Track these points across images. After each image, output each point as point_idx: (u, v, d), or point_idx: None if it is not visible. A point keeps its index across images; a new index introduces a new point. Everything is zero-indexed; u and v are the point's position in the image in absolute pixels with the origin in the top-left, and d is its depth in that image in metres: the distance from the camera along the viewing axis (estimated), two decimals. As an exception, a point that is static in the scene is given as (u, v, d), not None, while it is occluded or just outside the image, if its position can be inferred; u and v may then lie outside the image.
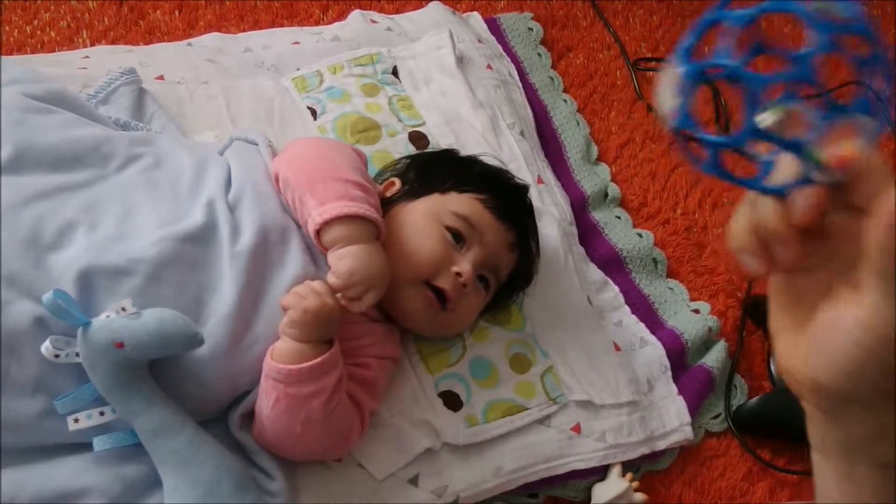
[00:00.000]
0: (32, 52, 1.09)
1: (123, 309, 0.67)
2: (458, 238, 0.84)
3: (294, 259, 0.76)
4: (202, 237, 0.74)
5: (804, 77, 0.37)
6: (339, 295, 0.74)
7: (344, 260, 0.74)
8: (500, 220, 0.87)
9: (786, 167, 0.39)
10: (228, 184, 0.79)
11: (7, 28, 1.11)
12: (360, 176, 0.80)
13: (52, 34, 1.13)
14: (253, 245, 0.74)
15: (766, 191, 0.40)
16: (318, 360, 0.71)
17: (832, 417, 0.44)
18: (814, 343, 0.42)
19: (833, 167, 0.38)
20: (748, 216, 0.42)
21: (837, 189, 0.39)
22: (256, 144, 0.86)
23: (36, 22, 1.13)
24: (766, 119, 0.38)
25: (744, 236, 0.42)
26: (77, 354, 0.66)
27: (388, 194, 0.89)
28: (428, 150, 1.03)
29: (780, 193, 0.40)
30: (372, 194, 0.79)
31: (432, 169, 0.92)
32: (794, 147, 0.38)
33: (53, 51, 1.09)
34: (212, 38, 1.13)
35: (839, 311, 0.41)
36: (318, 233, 0.75)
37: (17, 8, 1.13)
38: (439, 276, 0.82)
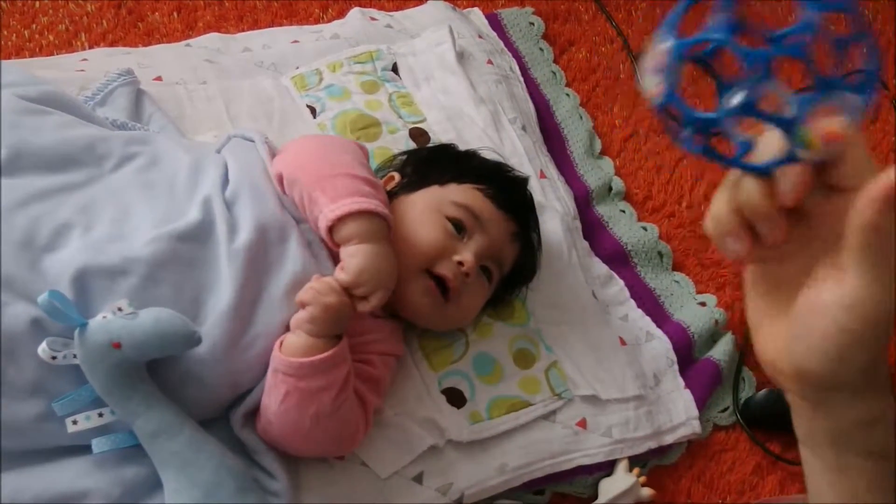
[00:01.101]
0: (31, 56, 1.09)
1: (120, 309, 0.67)
2: (459, 228, 0.83)
3: (293, 256, 0.76)
4: (199, 235, 0.73)
5: (796, 53, 0.36)
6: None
7: (355, 258, 0.74)
8: (501, 210, 0.86)
9: (769, 145, 0.39)
10: (225, 181, 0.78)
11: (5, 32, 1.11)
12: (367, 171, 0.80)
13: (51, 37, 1.12)
14: (251, 242, 0.74)
15: (750, 169, 0.40)
16: (330, 352, 0.71)
17: (818, 406, 0.43)
18: (795, 328, 0.42)
19: (821, 145, 0.37)
20: (729, 198, 0.41)
21: (817, 169, 0.39)
22: (253, 141, 0.85)
23: (34, 25, 1.13)
24: (735, 97, 0.37)
25: (725, 218, 0.42)
26: (74, 356, 0.65)
27: (388, 188, 0.89)
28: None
29: (764, 172, 0.39)
30: (380, 189, 0.79)
31: (431, 163, 0.91)
32: (783, 123, 0.37)
33: (52, 54, 1.09)
34: (211, 39, 1.13)
35: (820, 294, 0.40)
36: (330, 229, 0.75)
37: (15, 12, 1.13)
38: (440, 263, 0.81)
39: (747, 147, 0.39)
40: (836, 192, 0.39)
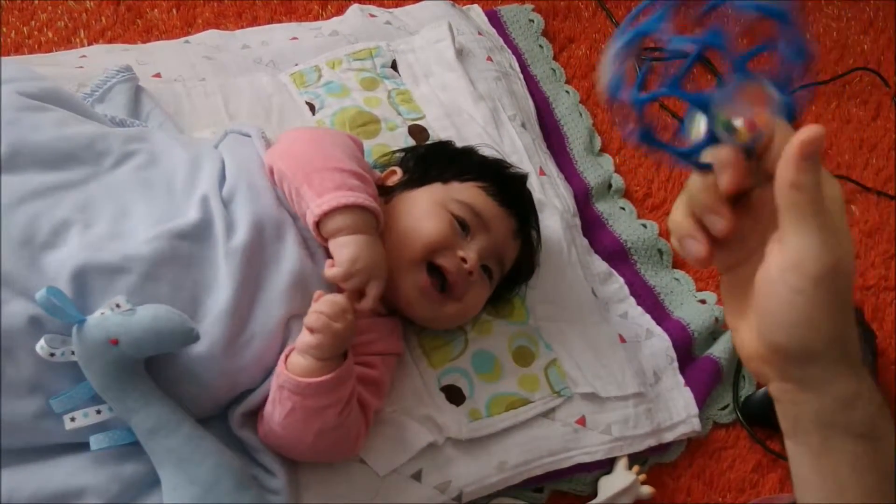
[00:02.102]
0: (30, 53, 1.09)
1: (118, 306, 0.66)
2: (463, 226, 0.83)
3: (290, 254, 0.76)
4: (197, 234, 0.73)
5: (715, 43, 0.38)
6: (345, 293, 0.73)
7: (347, 248, 0.74)
8: (504, 208, 0.86)
9: (698, 127, 0.40)
10: (223, 179, 0.78)
11: (4, 29, 1.11)
12: (357, 164, 0.79)
13: (50, 34, 1.12)
14: (248, 241, 0.73)
15: (684, 155, 0.41)
16: (335, 373, 0.71)
17: (803, 385, 0.44)
18: (757, 309, 0.43)
19: (745, 131, 0.38)
20: (685, 203, 0.43)
21: (750, 158, 0.40)
22: (250, 136, 0.85)
23: (33, 22, 1.13)
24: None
25: (681, 221, 0.44)
26: (73, 353, 0.65)
27: (390, 183, 0.89)
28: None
29: (705, 167, 0.40)
30: (369, 183, 0.78)
31: (431, 159, 0.91)
32: (701, 104, 0.38)
33: (51, 51, 1.09)
34: (210, 36, 1.12)
35: (769, 265, 0.41)
36: (317, 224, 0.74)
37: (14, 9, 1.13)
38: (442, 255, 0.81)
39: (684, 127, 0.41)
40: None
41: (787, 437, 0.47)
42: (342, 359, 0.73)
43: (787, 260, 0.40)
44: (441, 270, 0.81)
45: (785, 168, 0.39)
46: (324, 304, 0.71)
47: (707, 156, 0.40)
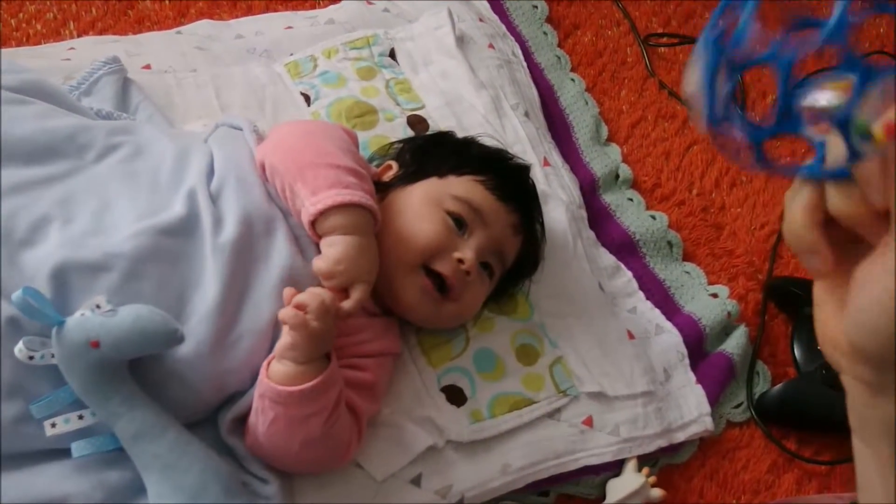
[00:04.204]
0: (18, 46, 1.06)
1: (98, 306, 0.64)
2: (459, 224, 0.80)
3: (280, 250, 0.73)
4: (183, 229, 0.70)
5: (834, 40, 0.32)
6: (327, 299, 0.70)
7: (334, 247, 0.71)
8: (503, 202, 0.83)
9: (837, 145, 0.35)
10: (211, 173, 0.75)
11: (-8, 22, 1.08)
12: (352, 159, 0.76)
13: (38, 27, 1.09)
14: (236, 237, 0.71)
15: (828, 175, 0.36)
16: (319, 379, 0.68)
17: (875, 390, 0.40)
18: (851, 304, 0.39)
19: (883, 136, 0.33)
20: (807, 211, 0.38)
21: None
22: (241, 129, 0.82)
23: (21, 14, 1.10)
24: (817, 100, 0.34)
25: (805, 236, 0.39)
26: (53, 355, 0.63)
27: (385, 178, 0.86)
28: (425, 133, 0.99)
29: (843, 176, 0.35)
30: (365, 179, 0.76)
31: (428, 152, 0.88)
32: (837, 121, 0.33)
33: (39, 43, 1.06)
34: (202, 26, 1.10)
35: (873, 263, 0.37)
36: (312, 223, 0.72)
37: (2, 1, 1.10)
38: (439, 259, 0.78)
39: (823, 147, 0.36)
40: None
41: (855, 433, 0.44)
42: (325, 364, 0.69)
43: (889, 260, 0.36)
44: (440, 275, 0.78)
45: None
46: (305, 296, 0.68)
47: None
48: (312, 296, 0.68)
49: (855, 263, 0.39)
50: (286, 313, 0.67)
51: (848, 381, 0.42)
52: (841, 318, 0.40)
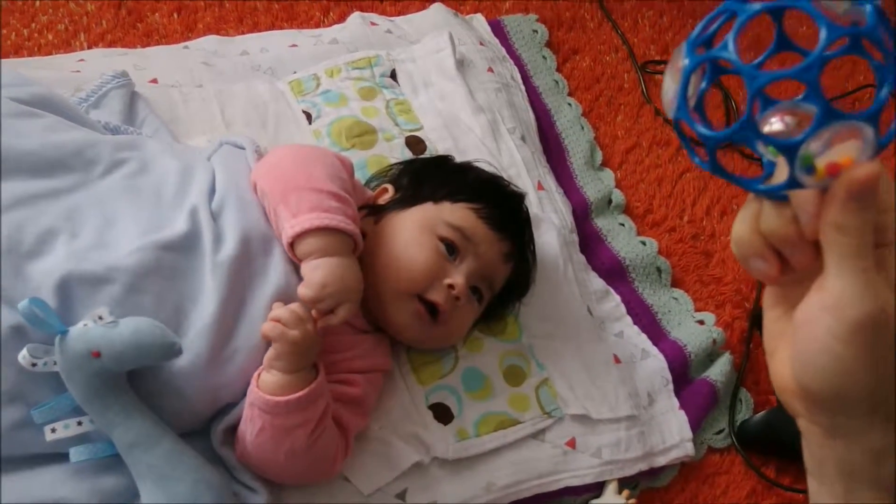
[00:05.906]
0: (30, 55, 1.08)
1: (100, 318, 0.66)
2: (451, 249, 0.82)
3: (276, 269, 0.75)
4: (184, 246, 0.72)
5: (805, 79, 0.35)
6: (312, 312, 0.72)
7: (317, 271, 0.73)
8: (495, 231, 0.84)
9: (784, 169, 0.37)
10: (213, 190, 0.77)
11: (5, 31, 1.11)
12: (338, 185, 0.77)
13: (50, 37, 1.12)
14: (235, 254, 0.73)
15: (764, 192, 0.38)
16: (306, 391, 0.70)
17: (830, 433, 0.41)
18: (794, 346, 0.40)
19: (825, 174, 0.36)
20: (751, 219, 0.40)
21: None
22: (244, 149, 0.84)
23: (34, 25, 1.12)
24: (773, 123, 0.36)
25: (750, 239, 0.41)
26: (55, 363, 0.64)
27: (381, 201, 0.87)
28: (424, 155, 1.01)
29: (780, 197, 0.38)
30: (349, 204, 0.77)
31: (425, 176, 0.89)
32: (785, 148, 0.36)
33: (50, 53, 1.09)
34: (208, 41, 1.12)
35: (810, 302, 0.39)
36: (291, 245, 0.74)
37: (14, 10, 1.12)
38: (432, 289, 0.80)
39: (772, 168, 0.38)
40: None
41: (810, 474, 0.45)
42: (314, 377, 0.72)
43: (824, 299, 0.38)
44: (432, 304, 0.80)
45: (830, 207, 0.36)
46: (280, 311, 0.71)
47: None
48: (284, 309, 0.71)
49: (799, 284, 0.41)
50: (265, 326, 0.71)
51: (804, 423, 0.43)
52: (785, 364, 0.41)
